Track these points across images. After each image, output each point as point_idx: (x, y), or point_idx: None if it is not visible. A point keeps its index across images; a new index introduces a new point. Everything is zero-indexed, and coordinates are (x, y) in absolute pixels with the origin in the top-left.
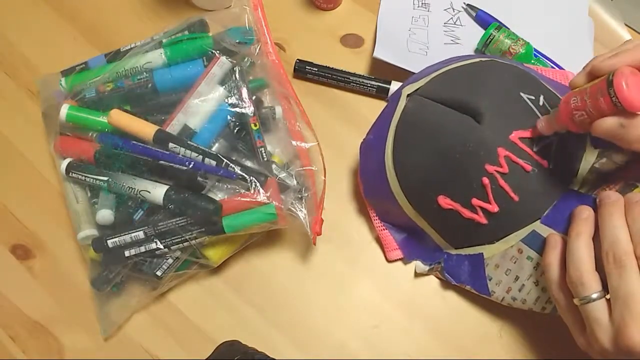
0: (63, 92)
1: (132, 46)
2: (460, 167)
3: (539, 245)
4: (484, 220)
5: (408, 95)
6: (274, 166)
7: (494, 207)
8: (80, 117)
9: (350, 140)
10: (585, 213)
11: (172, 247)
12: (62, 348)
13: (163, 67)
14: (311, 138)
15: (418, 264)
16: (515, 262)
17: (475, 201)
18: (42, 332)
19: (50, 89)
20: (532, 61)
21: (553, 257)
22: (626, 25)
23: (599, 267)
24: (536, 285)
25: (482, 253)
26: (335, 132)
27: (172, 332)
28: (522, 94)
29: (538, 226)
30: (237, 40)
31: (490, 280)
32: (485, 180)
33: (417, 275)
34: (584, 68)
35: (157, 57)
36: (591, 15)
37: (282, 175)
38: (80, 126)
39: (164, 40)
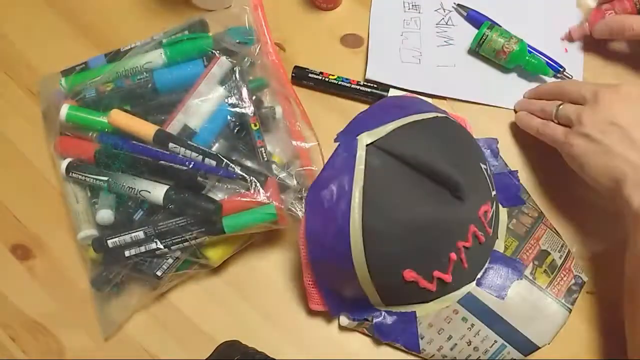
0: (63, 92)
1: (132, 46)
2: (437, 244)
3: (475, 307)
4: (434, 288)
5: (367, 146)
6: (274, 166)
7: (449, 278)
8: (80, 117)
9: None
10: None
11: (172, 247)
12: (62, 348)
13: (163, 67)
14: (311, 138)
15: (342, 318)
16: (449, 322)
17: (436, 273)
18: (42, 332)
19: (50, 89)
20: (527, 57)
21: (524, 112)
22: None
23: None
24: (468, 345)
25: (415, 311)
26: (335, 132)
27: (172, 332)
28: (481, 164)
29: (473, 288)
30: (237, 40)
31: (422, 338)
32: (453, 255)
33: (342, 328)
34: None
35: (157, 57)
36: (580, 7)
37: (282, 175)
38: (80, 126)
39: (164, 40)
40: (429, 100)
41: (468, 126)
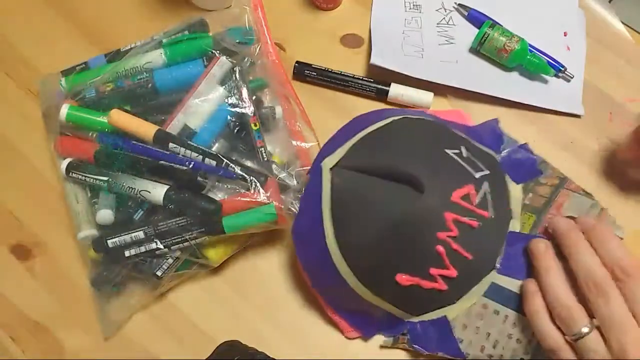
0: (63, 92)
1: (132, 46)
2: (412, 241)
3: (502, 297)
4: (444, 287)
5: (331, 169)
6: (274, 166)
7: (452, 272)
8: (80, 117)
9: None
10: (542, 245)
11: (172, 247)
12: (62, 348)
13: (163, 67)
14: (311, 138)
15: (382, 338)
16: (482, 319)
17: (433, 270)
18: (42, 332)
19: (50, 89)
20: (528, 57)
21: (538, 303)
22: (623, 23)
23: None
24: (510, 338)
25: (445, 315)
26: (335, 131)
27: (172, 332)
28: (446, 150)
29: (495, 277)
30: (237, 40)
31: (461, 342)
32: (440, 248)
33: (382, 347)
34: None
35: (157, 57)
36: (583, 8)
37: (282, 175)
38: (80, 126)
39: (164, 40)
40: (430, 96)
41: (464, 116)
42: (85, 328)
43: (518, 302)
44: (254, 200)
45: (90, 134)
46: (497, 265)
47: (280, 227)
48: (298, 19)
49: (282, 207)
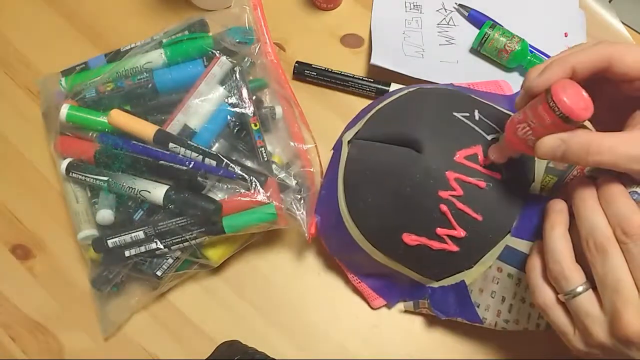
0: (63, 92)
1: (132, 46)
2: (414, 200)
3: (517, 260)
4: (454, 248)
5: (349, 142)
6: (274, 166)
7: (460, 232)
8: (80, 117)
9: None
10: (558, 205)
11: (172, 247)
12: (62, 348)
13: (163, 67)
14: (309, 140)
15: (404, 302)
16: (497, 283)
17: (440, 230)
18: (42, 332)
19: (50, 89)
20: (528, 57)
21: (537, 260)
22: (624, 24)
23: (579, 257)
24: (523, 302)
25: (464, 280)
26: (335, 132)
27: (172, 332)
28: (455, 113)
29: (510, 240)
30: (237, 40)
31: (478, 307)
32: (443, 207)
33: (406, 312)
34: (522, 87)
35: (157, 57)
36: (584, 9)
37: (282, 175)
38: (80, 126)
39: (164, 40)
40: None
41: (503, 86)
42: (85, 328)
43: None
44: (254, 200)
45: (90, 134)
46: (513, 227)
47: (280, 227)
48: (298, 19)
49: (282, 207)
